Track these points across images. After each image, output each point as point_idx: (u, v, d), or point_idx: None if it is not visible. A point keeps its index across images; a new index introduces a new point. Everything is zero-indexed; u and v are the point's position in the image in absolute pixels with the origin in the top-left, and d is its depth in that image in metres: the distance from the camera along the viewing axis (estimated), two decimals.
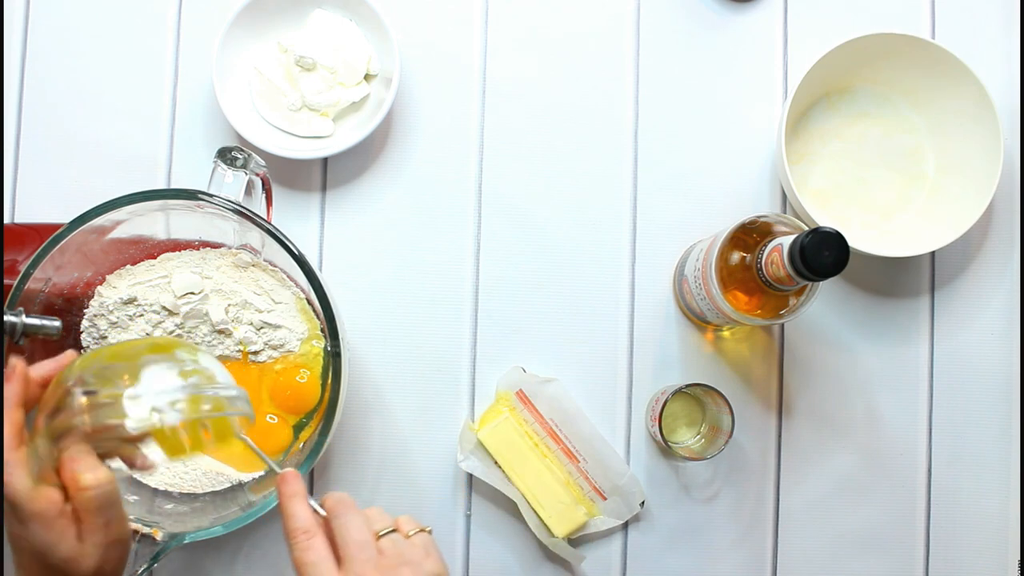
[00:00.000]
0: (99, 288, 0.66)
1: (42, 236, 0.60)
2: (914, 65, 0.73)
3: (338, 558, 0.48)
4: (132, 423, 0.47)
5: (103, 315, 0.65)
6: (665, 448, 0.71)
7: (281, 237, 0.60)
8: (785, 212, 0.76)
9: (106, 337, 0.66)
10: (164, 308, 0.65)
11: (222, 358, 0.67)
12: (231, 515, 0.61)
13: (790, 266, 0.55)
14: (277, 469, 0.52)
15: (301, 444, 0.68)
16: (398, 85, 0.71)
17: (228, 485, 0.67)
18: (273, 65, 0.73)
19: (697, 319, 0.74)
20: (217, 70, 0.72)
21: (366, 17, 0.73)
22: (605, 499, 0.72)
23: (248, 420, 0.52)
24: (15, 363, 0.50)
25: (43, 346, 0.64)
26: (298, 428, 0.68)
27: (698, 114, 0.77)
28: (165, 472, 0.66)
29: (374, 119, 0.71)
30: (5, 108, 0.76)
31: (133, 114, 0.76)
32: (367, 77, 0.74)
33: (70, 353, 0.53)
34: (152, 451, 0.48)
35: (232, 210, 0.60)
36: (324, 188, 0.76)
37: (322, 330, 0.68)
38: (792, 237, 0.55)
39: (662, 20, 0.77)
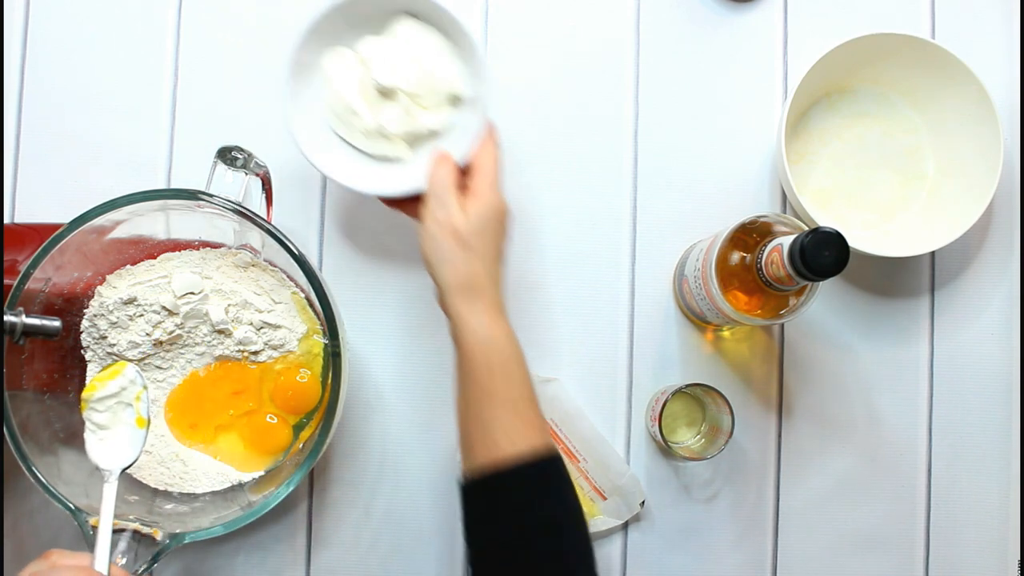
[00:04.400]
0: (99, 288, 0.66)
1: (42, 236, 0.60)
2: (914, 65, 0.73)
3: None
4: None
5: (103, 315, 0.65)
6: (665, 448, 0.71)
7: (281, 237, 0.60)
8: (785, 212, 0.76)
9: (106, 337, 0.66)
10: (164, 308, 0.65)
11: (222, 358, 0.67)
12: (231, 515, 0.61)
13: (790, 266, 0.55)
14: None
15: (301, 444, 0.68)
16: (487, 112, 0.61)
17: (228, 485, 0.67)
18: (349, 78, 0.64)
19: (697, 319, 0.74)
20: (290, 79, 0.63)
21: (454, 36, 0.63)
22: (605, 499, 0.72)
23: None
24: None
25: (43, 346, 0.64)
26: (298, 428, 0.68)
27: (698, 114, 0.77)
28: (164, 472, 0.66)
29: (457, 147, 0.62)
30: (5, 108, 0.76)
31: (133, 114, 0.76)
32: (452, 100, 0.64)
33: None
34: None
35: (232, 210, 0.60)
36: (324, 188, 0.76)
37: (322, 330, 0.68)
38: (792, 237, 0.55)
39: (662, 20, 0.77)
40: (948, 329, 0.76)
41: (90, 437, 0.59)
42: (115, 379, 0.59)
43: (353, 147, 0.65)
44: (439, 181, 0.59)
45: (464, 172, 0.61)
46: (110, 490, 0.56)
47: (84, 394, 0.59)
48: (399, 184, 0.63)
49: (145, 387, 0.60)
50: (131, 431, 0.59)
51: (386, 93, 0.63)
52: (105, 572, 0.52)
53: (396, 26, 0.64)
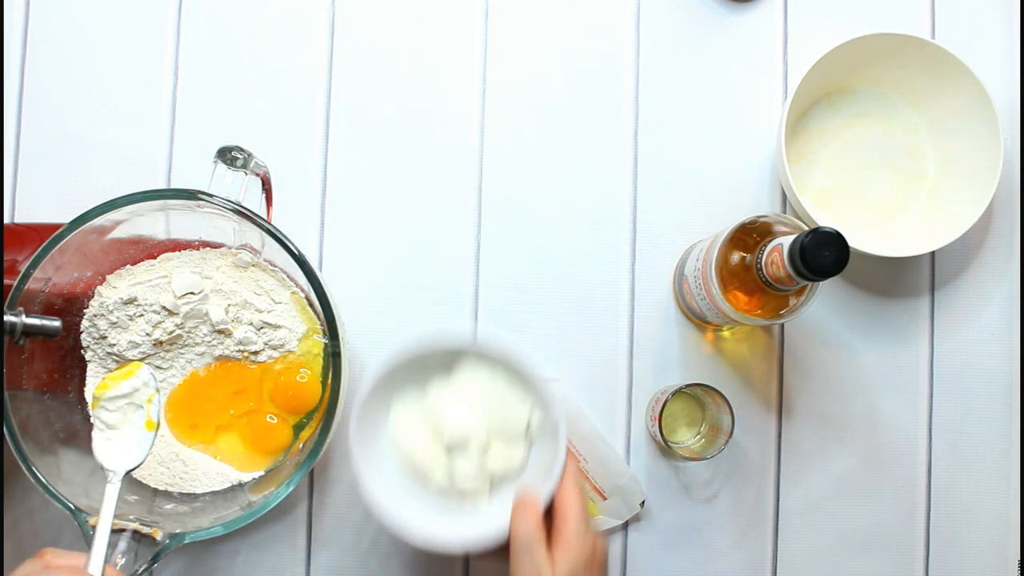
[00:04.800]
0: (99, 288, 0.66)
1: (42, 236, 0.60)
2: (914, 65, 0.73)
3: None
4: None
5: (103, 315, 0.65)
6: (665, 448, 0.71)
7: (281, 237, 0.60)
8: (785, 212, 0.76)
9: (106, 337, 0.66)
10: (164, 308, 0.66)
11: (222, 358, 0.67)
12: (231, 515, 0.61)
13: (790, 266, 0.55)
14: None
15: (301, 444, 0.68)
16: (562, 444, 0.58)
17: (228, 485, 0.67)
18: (419, 434, 0.62)
19: (697, 319, 0.74)
20: (358, 431, 0.60)
21: (517, 371, 0.61)
22: (605, 499, 0.72)
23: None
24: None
25: (43, 346, 0.64)
26: (298, 428, 0.68)
27: (698, 114, 0.77)
28: (164, 472, 0.66)
29: (536, 484, 0.59)
30: (5, 108, 0.76)
31: (133, 114, 0.76)
32: (525, 437, 0.62)
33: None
34: None
35: (232, 210, 0.60)
36: (324, 187, 0.76)
37: (322, 330, 0.68)
38: (792, 237, 0.55)
39: (662, 20, 0.77)
40: (948, 329, 0.76)
41: (98, 436, 0.59)
42: (128, 379, 0.59)
43: (428, 498, 0.62)
44: (522, 533, 0.56)
45: (547, 512, 0.58)
46: (112, 491, 0.56)
47: (96, 391, 0.59)
48: (481, 534, 0.59)
49: (158, 390, 0.60)
50: (140, 433, 0.59)
51: (457, 445, 0.60)
52: (99, 574, 0.52)
53: (460, 369, 0.62)
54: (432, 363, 0.62)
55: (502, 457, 0.61)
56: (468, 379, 0.61)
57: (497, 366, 0.61)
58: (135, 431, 0.59)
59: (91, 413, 0.59)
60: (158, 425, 0.59)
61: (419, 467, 0.61)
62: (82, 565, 0.52)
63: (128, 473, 0.58)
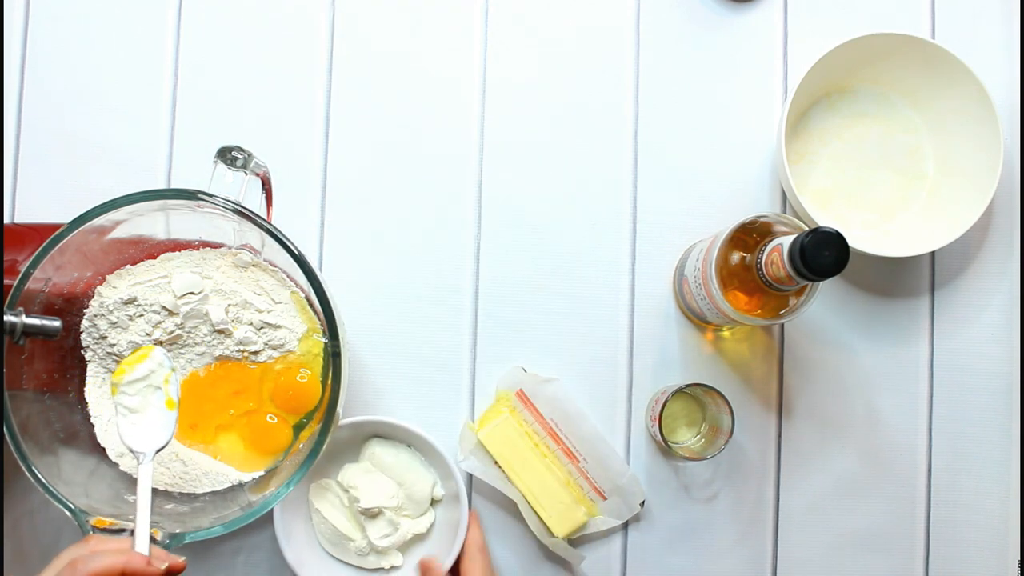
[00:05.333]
0: (99, 288, 0.66)
1: (42, 236, 0.60)
2: (914, 65, 0.73)
3: None
4: None
5: (103, 315, 0.65)
6: (665, 448, 0.71)
7: (281, 237, 0.60)
8: (785, 212, 0.76)
9: (106, 337, 0.66)
10: (164, 308, 0.66)
11: (222, 358, 0.67)
12: (231, 515, 0.61)
13: (790, 266, 0.55)
14: None
15: (301, 444, 0.68)
16: (465, 504, 0.69)
17: (228, 485, 0.67)
18: (336, 507, 0.71)
19: (697, 319, 0.74)
20: (281, 516, 0.70)
21: (419, 446, 0.71)
22: (605, 499, 0.72)
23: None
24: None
25: (43, 346, 0.64)
26: (298, 428, 0.68)
27: (698, 114, 0.77)
28: (164, 472, 0.66)
29: (451, 548, 0.69)
30: (5, 108, 0.76)
31: (133, 114, 0.76)
32: (431, 502, 0.72)
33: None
34: None
35: (232, 210, 0.60)
36: (324, 187, 0.76)
37: (322, 330, 0.68)
38: (792, 237, 0.55)
39: (662, 20, 0.77)
40: (948, 329, 0.76)
41: (122, 421, 0.59)
42: (143, 362, 0.60)
43: (349, 564, 0.72)
44: None
45: (456, 566, 0.69)
46: (146, 472, 0.57)
47: (114, 378, 0.60)
48: None
49: (173, 369, 0.61)
50: (162, 414, 0.60)
51: (372, 513, 0.69)
52: (146, 553, 0.53)
53: (369, 450, 0.72)
54: (344, 444, 0.72)
55: (412, 521, 0.71)
56: (376, 457, 0.71)
57: (400, 444, 0.72)
58: (157, 412, 0.60)
59: (112, 399, 0.60)
60: (178, 404, 0.60)
61: (340, 535, 0.70)
62: (128, 548, 0.53)
63: (157, 452, 0.59)
